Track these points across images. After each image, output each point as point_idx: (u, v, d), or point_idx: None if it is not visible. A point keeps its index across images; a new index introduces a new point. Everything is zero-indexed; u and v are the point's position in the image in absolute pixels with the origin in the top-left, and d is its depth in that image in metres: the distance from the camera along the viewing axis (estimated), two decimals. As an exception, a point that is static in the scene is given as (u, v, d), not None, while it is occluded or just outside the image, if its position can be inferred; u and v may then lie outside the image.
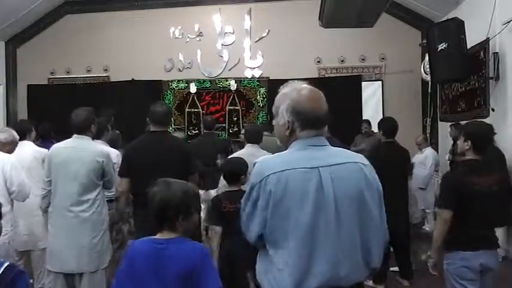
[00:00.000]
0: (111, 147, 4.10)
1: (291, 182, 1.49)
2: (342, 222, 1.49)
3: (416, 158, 6.23)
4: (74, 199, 3.06)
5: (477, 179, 2.64)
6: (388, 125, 4.32)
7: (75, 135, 3.20)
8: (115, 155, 3.84)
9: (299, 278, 1.46)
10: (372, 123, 6.92)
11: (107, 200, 3.82)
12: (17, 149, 3.97)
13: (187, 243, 1.83)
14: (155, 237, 1.84)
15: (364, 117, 7.48)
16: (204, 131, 5.63)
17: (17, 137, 3.66)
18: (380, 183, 1.62)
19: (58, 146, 3.25)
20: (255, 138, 3.98)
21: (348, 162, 1.57)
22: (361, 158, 1.64)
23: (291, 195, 1.48)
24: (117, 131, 4.95)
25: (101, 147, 3.36)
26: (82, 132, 3.18)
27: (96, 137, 4.10)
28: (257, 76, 8.25)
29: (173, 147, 3.19)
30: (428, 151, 6.38)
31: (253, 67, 8.34)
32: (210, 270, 1.82)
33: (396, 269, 4.26)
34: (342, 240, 1.49)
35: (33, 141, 4.07)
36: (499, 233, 5.00)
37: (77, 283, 3.07)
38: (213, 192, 4.53)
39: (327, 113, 1.62)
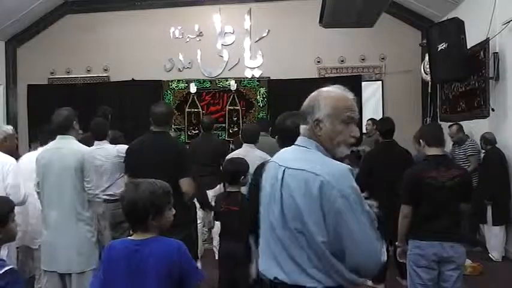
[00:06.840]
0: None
1: (267, 172, 1.71)
2: (287, 223, 1.56)
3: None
4: (58, 200, 3.06)
5: (433, 173, 2.87)
6: (385, 125, 4.39)
7: (58, 136, 3.17)
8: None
9: (261, 259, 1.69)
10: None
11: (112, 200, 3.82)
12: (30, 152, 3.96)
13: (163, 241, 1.84)
14: (131, 238, 1.87)
15: (364, 118, 7.46)
16: (202, 132, 5.56)
17: (10, 132, 3.63)
18: (347, 199, 1.48)
19: (44, 148, 3.25)
20: (251, 138, 4.00)
21: (304, 171, 1.53)
22: (325, 172, 1.50)
23: (265, 182, 1.69)
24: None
25: (80, 146, 3.26)
26: (64, 131, 3.15)
27: (100, 138, 4.10)
28: (257, 76, 8.24)
29: (167, 148, 3.14)
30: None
31: (253, 67, 8.33)
32: (191, 264, 1.86)
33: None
34: (286, 240, 1.56)
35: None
36: (501, 232, 5.09)
37: (69, 283, 3.08)
38: (210, 193, 4.55)
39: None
